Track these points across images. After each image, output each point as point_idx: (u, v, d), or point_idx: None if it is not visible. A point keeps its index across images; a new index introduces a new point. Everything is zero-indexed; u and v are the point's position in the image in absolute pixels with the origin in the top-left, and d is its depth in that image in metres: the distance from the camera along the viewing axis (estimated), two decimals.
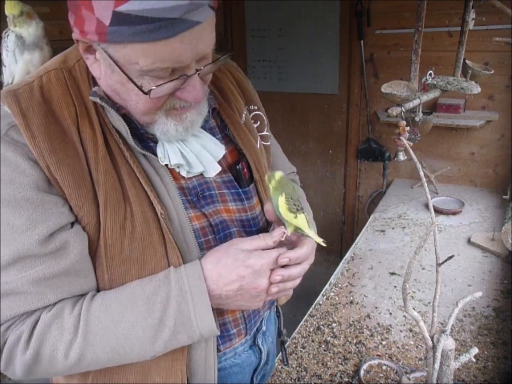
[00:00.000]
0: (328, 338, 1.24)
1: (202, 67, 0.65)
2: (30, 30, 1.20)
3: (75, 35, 0.62)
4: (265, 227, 0.88)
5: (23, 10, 1.19)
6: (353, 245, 1.80)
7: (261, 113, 0.94)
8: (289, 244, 0.77)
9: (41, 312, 0.67)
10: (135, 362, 0.74)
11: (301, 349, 1.20)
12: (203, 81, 0.68)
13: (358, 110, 2.74)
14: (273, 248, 0.72)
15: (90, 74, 0.70)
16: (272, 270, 0.71)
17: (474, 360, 0.79)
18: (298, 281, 0.76)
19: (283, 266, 0.72)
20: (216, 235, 0.79)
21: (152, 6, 0.55)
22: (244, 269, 0.69)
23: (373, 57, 2.55)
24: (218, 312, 0.80)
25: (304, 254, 0.73)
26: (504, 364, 1.12)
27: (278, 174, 0.75)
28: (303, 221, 0.73)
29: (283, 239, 0.73)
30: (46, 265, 0.65)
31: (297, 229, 0.74)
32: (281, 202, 0.72)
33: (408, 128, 1.28)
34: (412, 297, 1.42)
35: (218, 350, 0.84)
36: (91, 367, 0.71)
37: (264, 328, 0.96)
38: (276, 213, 0.76)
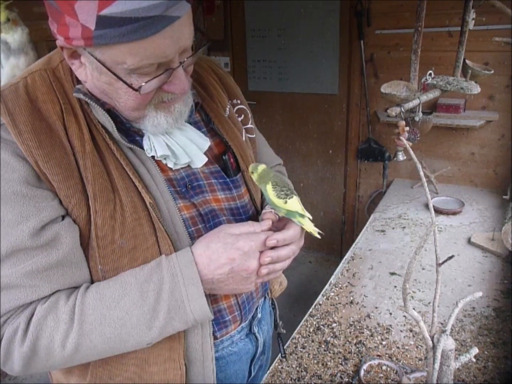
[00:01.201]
0: (328, 338, 1.24)
1: (185, 59, 0.67)
2: (16, 36, 1.24)
3: (60, 42, 0.64)
4: (255, 216, 0.90)
5: (9, 17, 1.22)
6: (353, 245, 1.80)
7: (244, 107, 0.96)
8: (278, 230, 0.79)
9: (37, 304, 0.68)
10: (132, 353, 0.75)
11: (301, 349, 1.20)
12: (186, 72, 0.70)
13: (358, 110, 2.74)
14: None
15: (74, 74, 0.72)
16: (261, 252, 0.73)
17: (474, 360, 0.79)
18: (287, 262, 0.78)
19: (272, 249, 0.74)
20: (206, 224, 0.81)
21: (134, 6, 0.57)
22: (234, 251, 0.71)
23: (373, 57, 2.55)
24: (213, 299, 0.82)
25: (291, 236, 0.76)
26: (504, 364, 1.11)
27: (261, 167, 0.78)
28: (296, 204, 0.76)
29: (267, 227, 0.76)
30: (38, 257, 0.66)
31: (292, 214, 0.77)
32: (269, 190, 0.76)
33: (407, 128, 1.28)
34: (412, 297, 1.42)
35: (215, 338, 0.85)
36: (88, 358, 0.71)
37: (259, 315, 0.98)
38: (275, 212, 0.78)
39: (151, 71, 0.64)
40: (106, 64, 0.63)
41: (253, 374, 1.02)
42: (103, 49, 0.61)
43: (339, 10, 2.60)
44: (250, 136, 0.96)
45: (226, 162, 0.85)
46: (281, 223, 0.80)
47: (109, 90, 0.68)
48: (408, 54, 1.22)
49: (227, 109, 0.90)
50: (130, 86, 0.65)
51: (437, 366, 0.74)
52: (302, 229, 0.79)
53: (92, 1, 0.57)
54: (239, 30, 2.97)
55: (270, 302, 1.09)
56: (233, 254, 0.70)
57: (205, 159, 0.81)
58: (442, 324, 1.27)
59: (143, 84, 0.64)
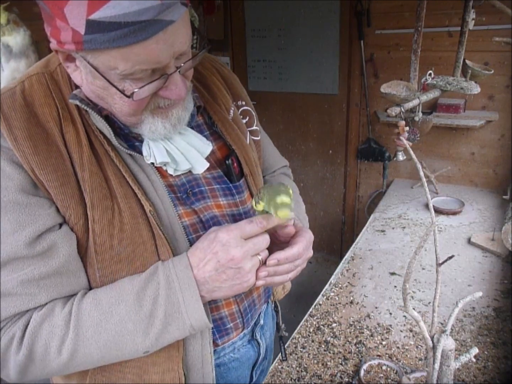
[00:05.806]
0: (328, 338, 1.24)
1: (182, 64, 0.65)
2: (18, 38, 1.23)
3: (53, 45, 0.63)
4: None
5: (9, 18, 1.21)
6: (353, 245, 1.80)
7: (249, 108, 0.94)
8: (279, 241, 0.78)
9: (33, 312, 0.68)
10: (131, 362, 0.75)
11: (301, 349, 1.20)
12: (184, 77, 0.69)
13: (358, 110, 2.74)
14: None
15: None
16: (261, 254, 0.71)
17: (474, 360, 0.79)
18: (291, 275, 0.76)
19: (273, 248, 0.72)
20: (207, 231, 0.79)
21: (124, 11, 0.55)
22: (215, 245, 0.69)
23: (373, 57, 2.55)
24: (214, 306, 0.82)
25: (294, 254, 0.74)
26: (504, 364, 1.11)
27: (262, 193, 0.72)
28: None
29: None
30: (35, 266, 0.66)
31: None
32: (286, 199, 0.70)
33: (407, 128, 1.29)
34: (412, 297, 1.42)
35: (216, 345, 0.85)
36: (85, 365, 0.71)
37: (262, 322, 0.97)
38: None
39: (145, 76, 0.62)
40: (99, 69, 0.61)
41: (254, 379, 1.02)
42: (95, 53, 0.59)
43: (339, 10, 2.60)
44: (254, 138, 0.94)
45: (229, 167, 0.83)
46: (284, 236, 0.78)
47: (104, 94, 0.66)
48: (408, 54, 1.23)
49: (231, 111, 0.88)
50: (122, 92, 0.63)
51: (437, 366, 0.74)
52: (310, 241, 0.76)
53: (81, 5, 0.55)
54: (239, 30, 2.96)
55: (273, 305, 1.08)
56: (215, 247, 0.69)
57: (206, 165, 0.79)
58: (442, 324, 1.27)
59: (136, 90, 0.62)
